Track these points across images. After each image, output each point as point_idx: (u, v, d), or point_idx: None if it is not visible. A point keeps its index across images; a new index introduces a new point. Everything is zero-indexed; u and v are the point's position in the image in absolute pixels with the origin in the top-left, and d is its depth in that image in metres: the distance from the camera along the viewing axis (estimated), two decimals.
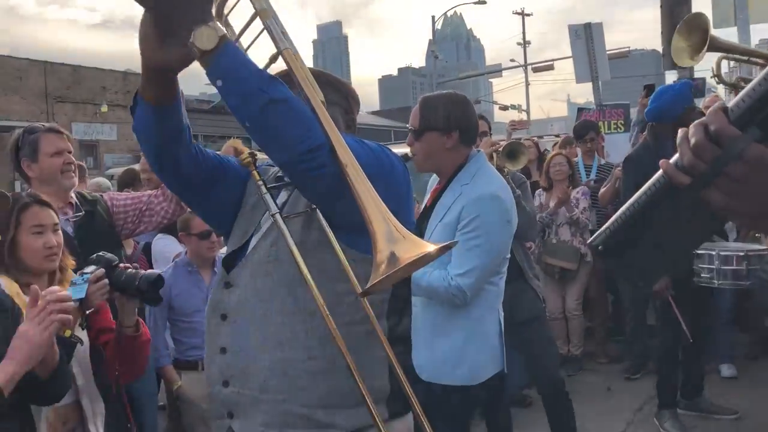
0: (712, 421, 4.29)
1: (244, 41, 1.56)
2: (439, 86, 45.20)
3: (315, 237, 1.54)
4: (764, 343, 5.42)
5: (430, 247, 1.26)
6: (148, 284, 2.08)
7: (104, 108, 21.47)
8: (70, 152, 2.84)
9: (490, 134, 3.92)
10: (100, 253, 2.17)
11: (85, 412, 2.13)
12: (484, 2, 33.26)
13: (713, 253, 3.70)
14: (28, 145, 2.78)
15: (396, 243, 1.25)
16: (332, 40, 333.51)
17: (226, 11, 1.59)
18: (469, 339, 2.54)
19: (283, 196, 1.66)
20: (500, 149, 3.42)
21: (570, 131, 6.89)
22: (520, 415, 4.24)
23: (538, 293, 3.60)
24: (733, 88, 3.74)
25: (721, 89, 7.46)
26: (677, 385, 4.29)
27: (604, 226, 0.97)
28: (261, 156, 1.66)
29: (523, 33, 36.23)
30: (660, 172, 0.88)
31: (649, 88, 5.53)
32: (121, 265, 2.18)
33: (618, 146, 6.48)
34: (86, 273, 2.09)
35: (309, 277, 1.46)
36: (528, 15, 37.86)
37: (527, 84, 33.75)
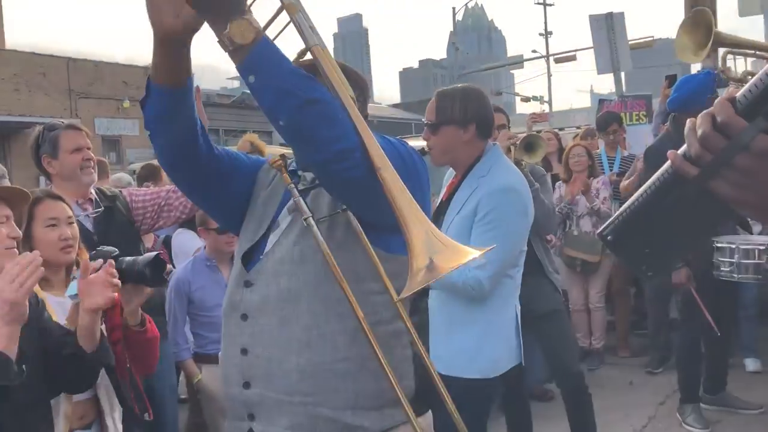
0: (735, 415, 4.23)
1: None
2: (460, 78, 44.98)
3: (340, 237, 1.52)
4: None
5: (473, 255, 1.26)
6: (146, 264, 2.07)
7: (126, 103, 21.65)
8: (89, 148, 2.87)
9: (509, 127, 3.88)
10: (99, 248, 2.18)
11: (102, 407, 2.16)
12: None
13: (734, 246, 3.64)
14: (48, 142, 2.81)
15: (436, 252, 1.25)
16: (353, 33, 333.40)
17: (248, 2, 1.55)
18: (486, 332, 2.54)
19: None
20: (518, 142, 3.39)
21: (593, 122, 6.83)
22: (542, 410, 4.22)
23: (557, 287, 3.58)
24: (740, 82, 3.66)
25: None
26: (700, 380, 4.24)
27: (613, 217, 0.97)
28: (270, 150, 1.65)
29: (545, 23, 35.88)
30: (668, 162, 0.88)
31: (671, 79, 5.45)
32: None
33: (640, 137, 6.40)
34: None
35: (346, 284, 1.44)
36: (550, 5, 37.49)
37: (549, 75, 33.45)
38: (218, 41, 1.31)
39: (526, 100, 34.50)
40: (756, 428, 4.08)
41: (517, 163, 3.34)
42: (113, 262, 2.05)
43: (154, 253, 2.14)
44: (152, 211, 3.02)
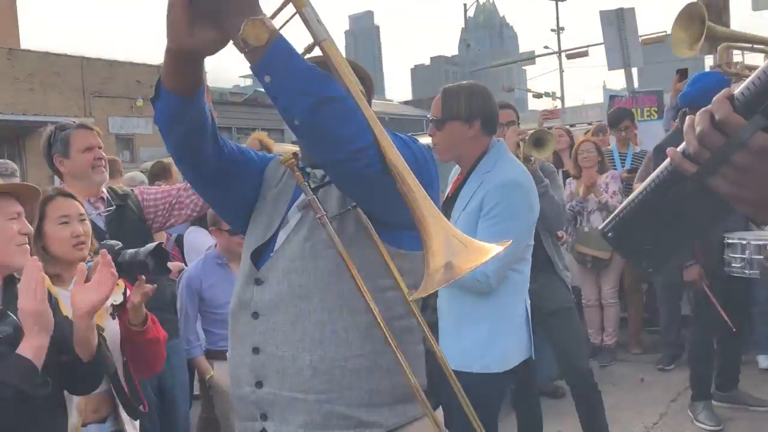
0: (748, 413, 4.21)
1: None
2: (472, 74, 44.88)
3: (350, 233, 1.51)
4: None
5: (493, 252, 1.26)
6: (147, 254, 2.09)
7: (140, 102, 21.78)
8: (100, 148, 2.89)
9: (519, 123, 3.87)
10: (102, 242, 2.21)
11: (117, 401, 2.18)
12: None
13: (745, 242, 3.62)
14: (60, 142, 2.84)
15: (455, 253, 1.25)
16: (364, 30, 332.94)
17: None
18: (496, 327, 2.55)
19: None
20: (527, 138, 3.39)
21: (605, 118, 6.79)
22: (552, 406, 4.22)
23: (567, 284, 3.58)
24: (737, 77, 3.62)
25: None
26: (712, 377, 4.22)
27: (614, 213, 0.98)
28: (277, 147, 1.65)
29: (557, 19, 35.70)
30: (668, 160, 0.89)
31: (682, 73, 5.41)
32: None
33: (651, 134, 6.36)
34: (90, 262, 2.12)
35: (360, 280, 1.44)
36: (562, 0, 37.28)
37: (561, 71, 33.28)
38: (233, 42, 1.29)
39: (539, 96, 34.36)
40: None
41: (527, 158, 3.34)
42: (105, 252, 2.07)
43: (155, 243, 2.16)
44: (163, 210, 3.05)
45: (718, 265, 3.83)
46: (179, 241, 4.47)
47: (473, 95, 2.61)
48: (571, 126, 8.04)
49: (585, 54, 27.78)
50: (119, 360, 2.20)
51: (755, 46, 3.73)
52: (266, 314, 1.56)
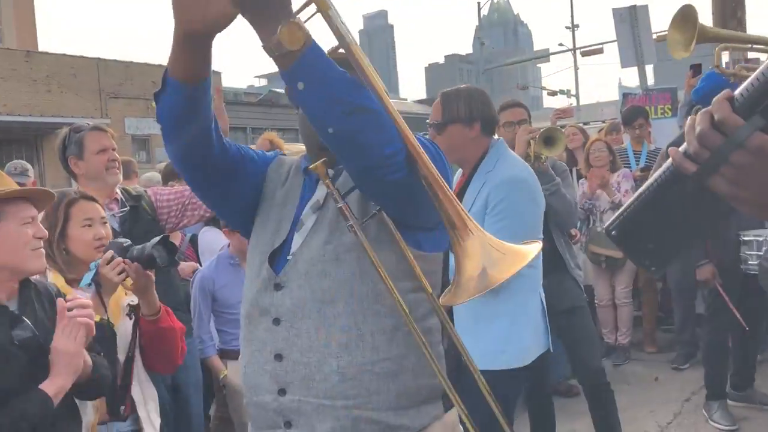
0: (763, 412, 4.17)
1: None
2: (486, 73, 44.75)
3: (372, 236, 1.48)
4: None
5: (532, 254, 1.30)
6: (153, 247, 2.11)
7: (155, 103, 21.96)
8: (114, 149, 2.93)
9: (530, 122, 3.87)
10: (111, 240, 2.24)
11: (134, 397, 2.21)
12: None
13: (761, 239, 3.60)
14: (74, 144, 2.88)
15: (493, 262, 1.26)
16: (378, 29, 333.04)
17: None
18: (514, 322, 2.59)
19: (321, 191, 1.59)
20: (537, 136, 3.38)
21: (620, 116, 6.75)
22: (566, 405, 4.21)
23: (579, 283, 3.56)
24: (735, 77, 3.59)
25: None
26: (727, 376, 4.19)
27: (618, 212, 0.99)
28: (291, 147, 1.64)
29: (572, 16, 35.50)
30: (670, 159, 0.90)
31: (696, 68, 5.37)
32: None
33: (665, 131, 6.33)
34: (98, 260, 2.15)
35: (391, 283, 1.43)
36: None
37: (576, 68, 33.11)
38: (264, 46, 1.24)
39: (553, 93, 34.20)
40: None
41: (537, 156, 3.33)
42: (112, 252, 2.12)
43: (160, 235, 2.19)
44: (176, 210, 3.08)
45: (734, 263, 3.81)
46: (194, 241, 4.50)
47: (472, 98, 2.68)
48: (585, 124, 8.01)
49: (600, 51, 27.63)
50: (123, 356, 2.22)
51: (754, 46, 3.70)
52: (288, 320, 1.52)
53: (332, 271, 1.50)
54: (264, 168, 1.68)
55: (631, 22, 7.37)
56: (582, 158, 5.65)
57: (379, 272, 1.43)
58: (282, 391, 1.51)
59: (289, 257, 1.56)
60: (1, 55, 19.78)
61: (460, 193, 2.69)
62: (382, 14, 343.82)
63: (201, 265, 4.06)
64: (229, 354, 3.48)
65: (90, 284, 2.12)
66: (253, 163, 1.65)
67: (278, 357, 1.52)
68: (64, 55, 21.49)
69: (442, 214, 1.34)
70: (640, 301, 5.69)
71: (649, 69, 7.74)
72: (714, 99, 0.86)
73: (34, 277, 1.99)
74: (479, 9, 35.48)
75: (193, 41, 1.30)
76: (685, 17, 3.56)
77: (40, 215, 2.02)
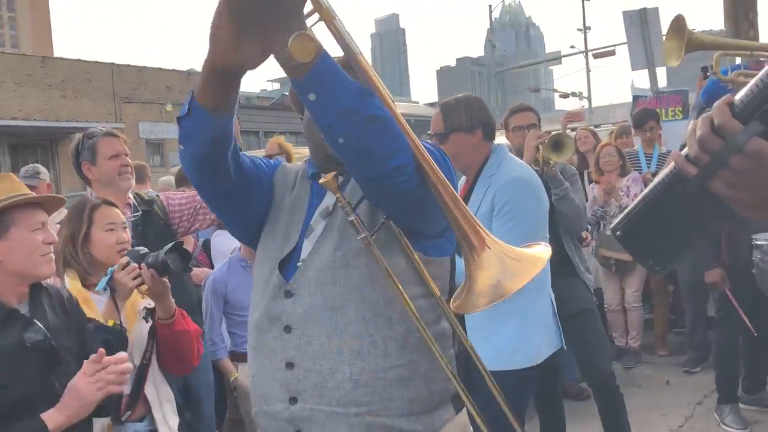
0: None
1: None
2: (497, 75, 44.68)
3: (381, 242, 1.48)
4: None
5: (544, 259, 1.32)
6: (166, 252, 2.16)
7: (169, 107, 22.09)
8: (127, 155, 2.97)
9: (540, 126, 3.87)
10: (129, 250, 2.28)
11: (149, 399, 2.24)
12: None
13: None
14: (87, 149, 2.92)
15: (508, 273, 1.28)
16: (390, 32, 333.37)
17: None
18: (525, 322, 2.62)
19: (330, 198, 1.58)
20: (545, 141, 3.39)
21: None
22: (576, 408, 4.20)
23: (588, 286, 3.57)
24: (733, 83, 3.59)
25: None
26: (738, 379, 4.17)
27: (623, 213, 1.02)
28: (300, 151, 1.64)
29: (584, 18, 35.39)
30: (672, 162, 0.93)
31: (707, 70, 5.34)
32: None
33: (676, 134, 6.29)
34: (114, 265, 2.20)
35: (402, 290, 1.44)
36: (588, 0, 36.96)
37: (588, 71, 32.99)
38: (276, 58, 1.25)
39: (565, 96, 34.13)
40: None
41: (546, 161, 3.34)
42: (128, 258, 2.16)
43: (173, 242, 2.23)
44: (188, 214, 3.12)
45: (746, 267, 3.79)
46: (206, 246, 4.54)
47: (471, 105, 2.76)
48: (596, 127, 7.98)
49: (612, 53, 27.53)
50: (138, 359, 2.26)
51: (754, 52, 3.70)
52: (299, 327, 1.51)
53: (343, 277, 1.50)
54: (271, 177, 1.67)
55: (641, 24, 7.34)
56: (593, 162, 5.65)
57: (392, 281, 1.44)
58: (293, 400, 1.51)
59: (299, 264, 1.55)
60: (17, 61, 20.01)
61: (465, 199, 2.70)
62: (394, 17, 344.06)
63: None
64: (240, 356, 3.51)
65: (105, 289, 2.16)
66: (264, 175, 1.65)
67: (289, 365, 1.51)
68: (79, 60, 21.70)
69: (455, 230, 1.35)
70: (652, 304, 5.67)
71: (662, 71, 7.73)
72: (714, 104, 0.89)
73: (47, 281, 2.03)
74: (491, 11, 35.46)
75: (227, 75, 1.31)
76: (679, 26, 3.61)
77: (58, 217, 2.05)
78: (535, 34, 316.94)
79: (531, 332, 2.65)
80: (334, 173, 1.47)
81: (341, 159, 1.38)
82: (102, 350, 1.87)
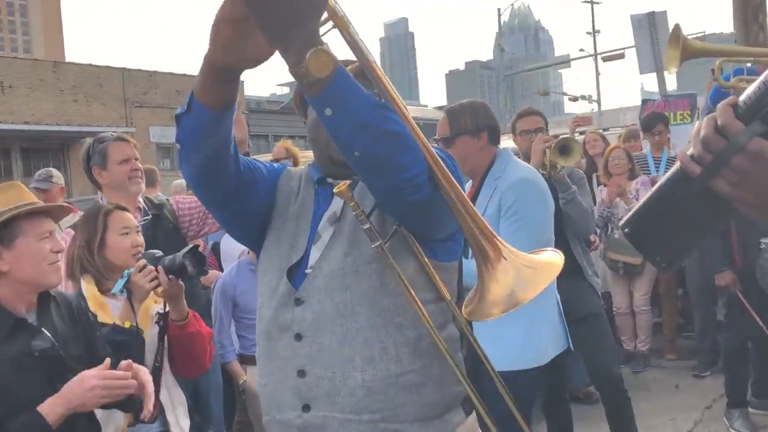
0: None
1: None
2: (506, 79, 44.63)
3: (391, 249, 1.48)
4: None
5: (558, 269, 1.34)
6: (184, 256, 2.19)
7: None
8: (137, 159, 3.00)
9: (547, 130, 3.87)
10: (145, 252, 2.32)
11: (162, 402, 2.26)
12: None
13: None
14: (98, 154, 2.95)
15: (522, 283, 1.30)
16: (399, 36, 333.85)
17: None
18: (532, 322, 2.64)
19: (338, 203, 1.58)
20: (552, 145, 3.39)
21: None
22: (584, 412, 4.19)
23: (596, 290, 3.57)
24: (735, 90, 3.60)
25: None
26: (748, 383, 4.16)
27: (632, 211, 1.04)
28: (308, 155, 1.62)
29: (593, 21, 35.32)
30: (678, 162, 0.96)
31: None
32: None
33: (684, 137, 6.28)
34: (131, 268, 2.23)
35: (414, 296, 1.45)
36: (597, 3, 36.88)
37: (597, 74, 32.89)
38: (292, 73, 1.24)
39: (574, 99, 34.02)
40: None
41: (553, 165, 3.35)
42: (145, 261, 2.20)
43: (190, 245, 2.27)
44: (198, 218, 3.14)
45: (754, 269, 3.78)
46: (215, 249, 4.57)
47: (476, 110, 2.81)
48: (605, 130, 7.97)
49: (621, 56, 27.43)
50: (150, 363, 2.29)
51: (759, 59, 3.71)
52: (310, 335, 1.50)
53: (353, 284, 1.50)
54: (274, 182, 1.66)
55: (649, 28, 7.33)
56: (602, 164, 5.65)
57: (404, 287, 1.45)
58: (306, 408, 1.50)
59: (307, 271, 1.54)
60: (30, 66, 20.18)
61: (471, 202, 2.74)
62: (403, 21, 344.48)
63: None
64: (248, 359, 3.53)
65: (122, 291, 2.20)
66: (264, 180, 1.63)
67: (301, 373, 1.50)
68: (90, 65, 21.86)
69: (470, 240, 1.36)
70: (661, 307, 5.65)
71: (674, 75, 7.67)
72: (718, 105, 0.91)
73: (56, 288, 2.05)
74: (499, 15, 35.47)
75: (226, 73, 1.31)
76: (675, 34, 3.69)
77: (69, 221, 2.07)
78: (543, 37, 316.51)
79: (537, 333, 2.68)
80: (348, 183, 1.47)
81: (356, 171, 1.40)
82: (129, 363, 1.88)
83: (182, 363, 2.35)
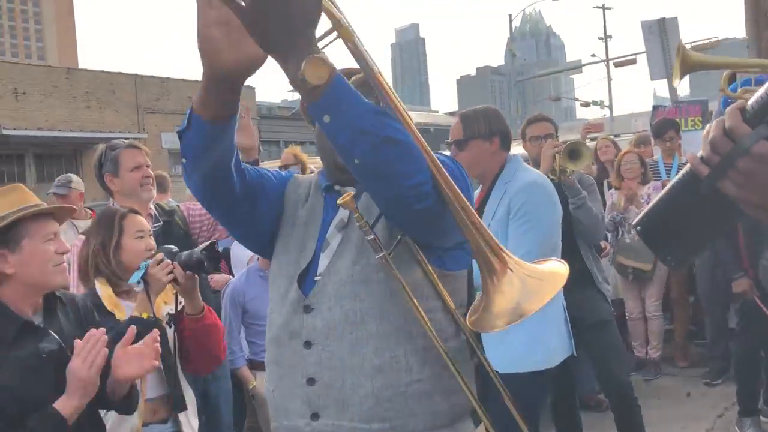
0: None
1: None
2: (517, 84, 44.60)
3: (398, 258, 1.47)
4: None
5: (564, 279, 1.36)
6: (201, 251, 2.24)
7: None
8: (148, 166, 3.03)
9: (557, 136, 3.87)
10: (161, 247, 2.36)
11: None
12: None
13: None
14: (110, 161, 2.98)
15: (528, 295, 1.30)
16: (410, 42, 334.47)
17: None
18: (539, 324, 2.62)
19: (344, 211, 1.56)
20: (562, 150, 3.39)
21: None
22: (594, 420, 4.17)
23: (606, 297, 3.56)
24: (739, 99, 3.60)
25: None
26: (760, 391, 4.12)
27: (644, 210, 1.07)
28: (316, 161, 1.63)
29: (604, 27, 35.26)
30: (689, 163, 0.99)
31: (730, 78, 5.30)
32: None
33: (695, 143, 6.24)
34: (148, 260, 2.27)
35: (418, 306, 1.45)
36: (609, 8, 36.83)
37: (609, 79, 32.81)
38: (290, 81, 1.24)
39: (586, 105, 33.95)
40: None
41: (563, 170, 3.35)
42: (162, 254, 2.24)
43: (208, 241, 2.32)
44: (208, 224, 3.17)
45: None
46: (226, 255, 4.59)
47: (489, 115, 2.88)
48: (617, 136, 7.94)
49: (633, 62, 27.35)
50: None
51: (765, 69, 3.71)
52: (320, 343, 1.50)
53: (363, 292, 1.49)
54: (282, 189, 1.66)
55: (660, 34, 7.31)
56: (614, 168, 5.63)
57: (409, 299, 1.45)
58: (315, 416, 1.49)
59: (317, 278, 1.54)
60: (44, 73, 20.40)
61: (481, 205, 2.82)
62: (414, 27, 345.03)
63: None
64: (258, 365, 3.55)
65: (139, 282, 2.23)
66: (272, 187, 1.64)
67: (310, 381, 1.50)
68: (103, 71, 22.06)
69: (475, 251, 1.36)
70: (672, 314, 5.62)
71: (684, 80, 7.64)
72: (727, 109, 0.93)
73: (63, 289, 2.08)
74: (511, 21, 35.45)
75: (222, 84, 1.30)
76: (678, 48, 3.73)
77: (83, 224, 2.08)
78: (555, 43, 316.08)
79: (545, 335, 2.70)
80: (352, 194, 1.47)
81: (358, 179, 1.39)
82: (92, 330, 1.90)
83: (198, 357, 2.37)
